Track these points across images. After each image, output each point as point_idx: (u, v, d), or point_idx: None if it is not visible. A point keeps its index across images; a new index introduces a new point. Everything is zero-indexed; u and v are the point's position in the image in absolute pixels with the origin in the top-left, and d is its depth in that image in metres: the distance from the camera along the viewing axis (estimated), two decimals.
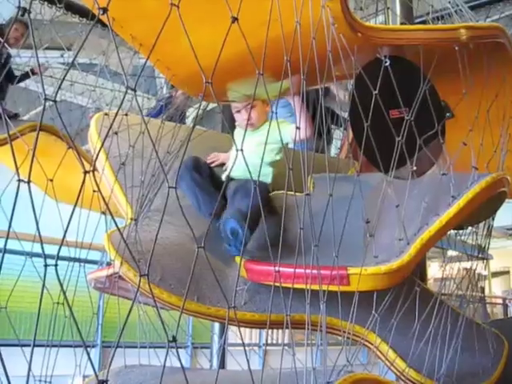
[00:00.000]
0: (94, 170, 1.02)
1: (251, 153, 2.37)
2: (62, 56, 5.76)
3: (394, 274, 2.11)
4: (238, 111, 3.06)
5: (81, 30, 5.74)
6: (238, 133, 3.18)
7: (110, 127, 1.30)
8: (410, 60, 2.60)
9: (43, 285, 0.95)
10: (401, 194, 2.30)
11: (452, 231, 3.20)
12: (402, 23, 3.53)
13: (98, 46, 5.46)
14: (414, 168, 2.39)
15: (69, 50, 6.01)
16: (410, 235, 2.22)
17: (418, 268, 2.98)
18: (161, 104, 4.13)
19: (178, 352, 1.14)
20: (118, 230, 1.18)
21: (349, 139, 4.03)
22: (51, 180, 2.19)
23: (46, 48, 6.05)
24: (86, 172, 0.97)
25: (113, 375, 2.31)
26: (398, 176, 2.44)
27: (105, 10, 1.06)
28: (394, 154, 2.27)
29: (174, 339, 1.07)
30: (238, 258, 2.19)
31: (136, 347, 2.47)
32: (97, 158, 1.59)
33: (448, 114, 2.96)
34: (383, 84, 2.28)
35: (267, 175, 2.94)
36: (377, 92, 2.22)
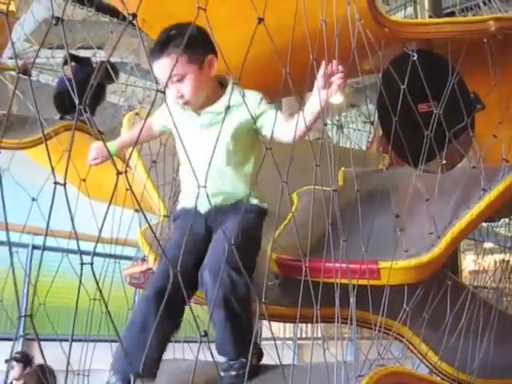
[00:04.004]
0: (127, 170, 1.06)
1: (202, 151, 1.76)
2: (94, 55, 5.85)
3: (425, 268, 2.12)
4: (166, 87, 2.00)
5: (111, 30, 5.82)
6: (179, 118, 1.97)
7: (142, 127, 1.34)
8: (438, 53, 2.60)
9: (80, 282, 0.99)
10: (431, 188, 2.30)
11: (484, 224, 3.18)
12: (429, 16, 3.51)
13: (129, 45, 5.53)
14: (444, 161, 2.39)
15: (100, 49, 6.10)
16: (440, 229, 2.22)
17: (449, 261, 2.97)
18: None
19: (210, 346, 1.17)
20: (150, 227, 1.22)
21: (378, 133, 4.03)
22: (84, 180, 2.24)
23: (79, 48, 6.15)
24: (119, 173, 1.01)
25: None
26: (427, 170, 2.44)
27: (134, 16, 1.09)
28: (424, 148, 2.27)
29: (206, 334, 1.11)
30: (269, 253, 2.22)
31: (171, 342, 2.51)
32: (130, 158, 1.63)
33: (479, 106, 2.95)
34: (411, 78, 2.29)
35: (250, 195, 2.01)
36: (405, 86, 2.23)
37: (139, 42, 5.07)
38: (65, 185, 0.93)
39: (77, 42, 5.76)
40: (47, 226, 0.99)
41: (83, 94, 1.00)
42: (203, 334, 1.12)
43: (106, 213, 1.07)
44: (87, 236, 1.56)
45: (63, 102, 5.35)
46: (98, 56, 5.83)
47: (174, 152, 2.60)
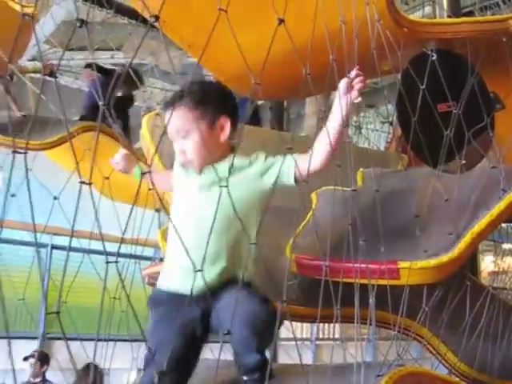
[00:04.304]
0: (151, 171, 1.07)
1: (203, 218, 1.63)
2: (112, 57, 5.90)
3: (444, 268, 2.11)
4: (174, 141, 1.92)
5: (130, 32, 5.86)
6: (179, 176, 1.98)
7: (164, 132, 1.35)
8: (458, 53, 2.59)
9: (105, 282, 1.01)
10: (450, 188, 2.29)
11: (503, 225, 3.16)
12: (448, 16, 3.50)
13: (147, 47, 5.57)
14: (463, 162, 2.38)
15: (118, 50, 6.15)
16: (459, 229, 2.21)
17: (468, 262, 2.96)
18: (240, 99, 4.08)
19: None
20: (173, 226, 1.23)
21: (397, 134, 4.02)
22: (107, 178, 2.25)
23: (97, 49, 6.21)
24: (143, 173, 1.02)
25: None
26: (446, 170, 2.43)
27: (157, 18, 1.11)
28: (443, 148, 2.27)
29: (229, 332, 1.12)
30: (288, 253, 2.22)
31: None
32: (153, 160, 1.64)
33: (498, 106, 2.93)
34: (430, 78, 2.28)
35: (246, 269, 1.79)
36: (424, 86, 2.23)
37: (158, 44, 5.11)
38: (90, 184, 0.95)
39: (95, 43, 5.81)
40: (73, 226, 1.00)
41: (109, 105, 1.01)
42: (226, 332, 1.13)
43: (130, 213, 1.09)
44: (109, 237, 1.57)
45: (92, 116, 5.40)
46: (117, 57, 5.88)
47: None
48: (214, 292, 1.74)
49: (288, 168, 1.80)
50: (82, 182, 0.91)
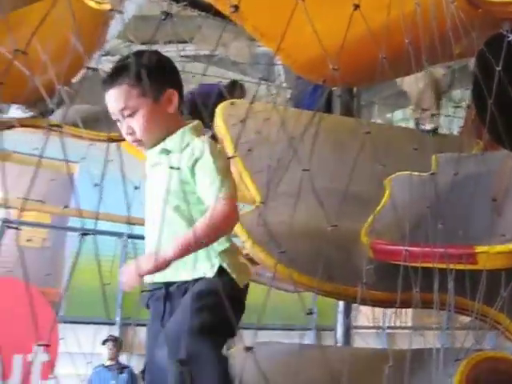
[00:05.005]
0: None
1: (151, 195, 1.64)
2: (183, 49, 5.97)
3: None
4: (118, 120, 1.73)
5: (199, 24, 5.92)
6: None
7: (243, 120, 1.38)
8: None
9: (193, 266, 1.05)
10: None
11: None
12: None
13: (217, 38, 5.62)
14: None
15: (189, 42, 6.22)
16: None
17: None
18: (311, 87, 4.06)
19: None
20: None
21: (470, 118, 3.94)
22: (178, 168, 2.30)
23: (169, 42, 6.28)
24: (229, 158, 1.05)
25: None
26: None
27: (236, 8, 1.13)
28: None
29: (311, 312, 1.14)
30: (364, 239, 2.22)
31: (267, 329, 2.56)
32: (236, 148, 1.63)
33: None
34: (507, 59, 2.23)
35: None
36: (500, 68, 2.18)
37: (228, 34, 5.16)
38: (178, 168, 0.99)
39: (167, 36, 5.90)
40: (162, 216, 1.05)
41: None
42: (308, 312, 1.16)
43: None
44: None
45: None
46: (188, 49, 5.95)
47: (267, 139, 2.65)
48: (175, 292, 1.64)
49: (203, 193, 1.59)
50: (171, 168, 0.95)
